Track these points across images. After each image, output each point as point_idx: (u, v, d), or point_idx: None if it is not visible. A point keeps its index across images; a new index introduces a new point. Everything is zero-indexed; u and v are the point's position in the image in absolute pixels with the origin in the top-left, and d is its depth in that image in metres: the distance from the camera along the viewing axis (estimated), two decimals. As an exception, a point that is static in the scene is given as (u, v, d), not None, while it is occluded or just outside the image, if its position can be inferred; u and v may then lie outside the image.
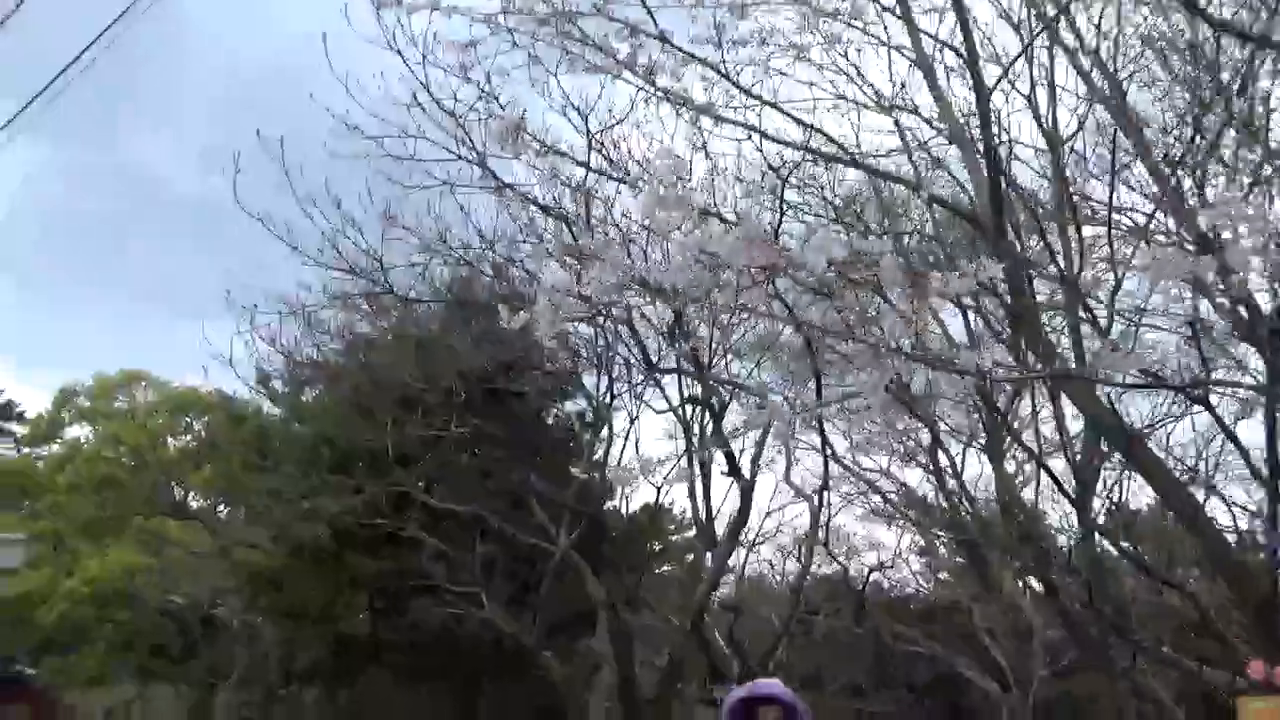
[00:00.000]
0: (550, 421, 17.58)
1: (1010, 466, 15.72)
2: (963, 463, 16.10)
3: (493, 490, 14.98)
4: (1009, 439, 14.13)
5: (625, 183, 10.15)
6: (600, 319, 11.24)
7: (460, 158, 10.45)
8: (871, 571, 17.70)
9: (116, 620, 32.93)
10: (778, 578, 21.30)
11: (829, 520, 13.76)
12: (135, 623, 32.86)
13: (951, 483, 15.42)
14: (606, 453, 15.71)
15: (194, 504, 34.77)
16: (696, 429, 14.26)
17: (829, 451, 11.74)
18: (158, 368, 45.38)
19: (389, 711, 15.50)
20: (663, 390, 14.46)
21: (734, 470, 11.46)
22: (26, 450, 36.88)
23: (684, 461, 14.71)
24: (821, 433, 10.81)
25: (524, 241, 12.04)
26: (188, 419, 33.34)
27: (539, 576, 15.85)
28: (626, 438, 15.60)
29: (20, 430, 41.69)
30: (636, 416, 15.27)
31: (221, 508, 33.00)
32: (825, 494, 12.69)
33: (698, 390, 13.38)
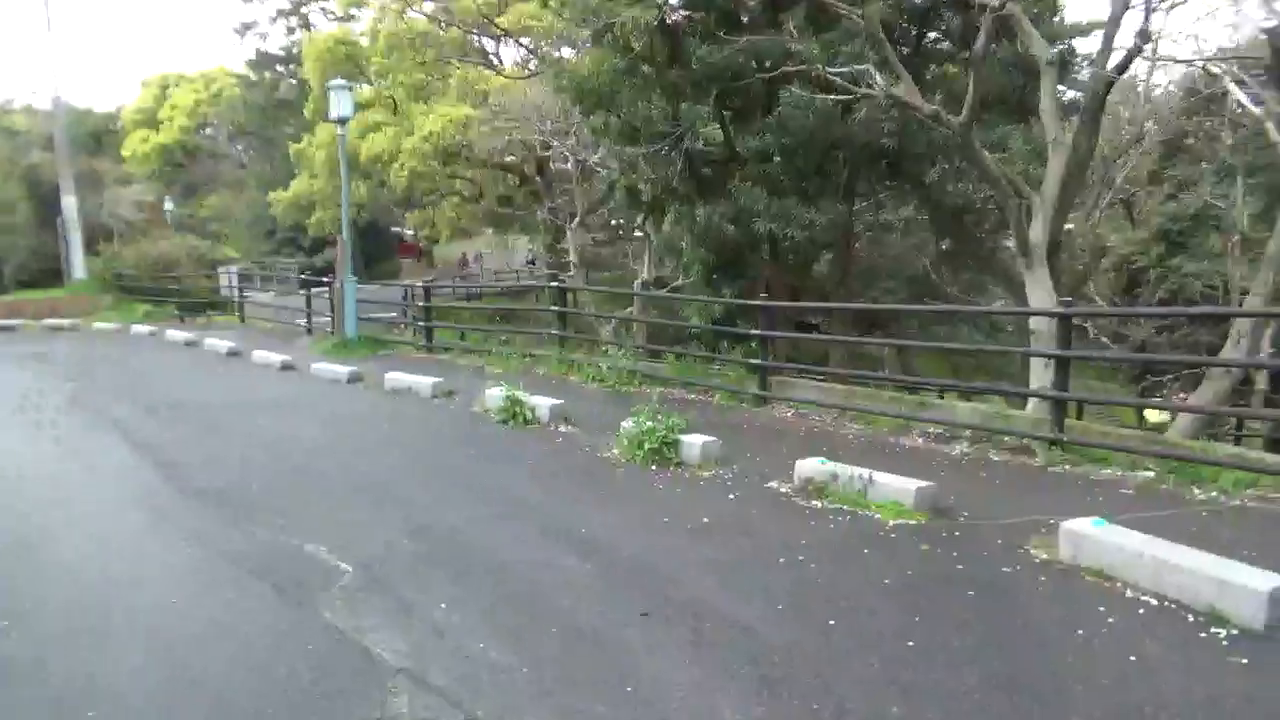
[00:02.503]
0: None
1: None
2: None
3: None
4: None
5: None
6: None
7: None
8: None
9: (462, 176, 33.86)
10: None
11: None
12: (479, 177, 33.67)
13: None
14: None
15: (505, 54, 33.40)
16: None
17: None
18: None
19: (755, 230, 13.13)
20: None
21: None
22: (343, 22, 36.69)
23: None
24: None
25: None
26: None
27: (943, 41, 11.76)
28: None
29: (333, 6, 41.54)
30: None
31: (533, 59, 31.26)
32: None
33: None
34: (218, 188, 51.18)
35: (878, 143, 10.89)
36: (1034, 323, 9.62)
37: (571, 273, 25.46)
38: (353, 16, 36.26)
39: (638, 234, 29.02)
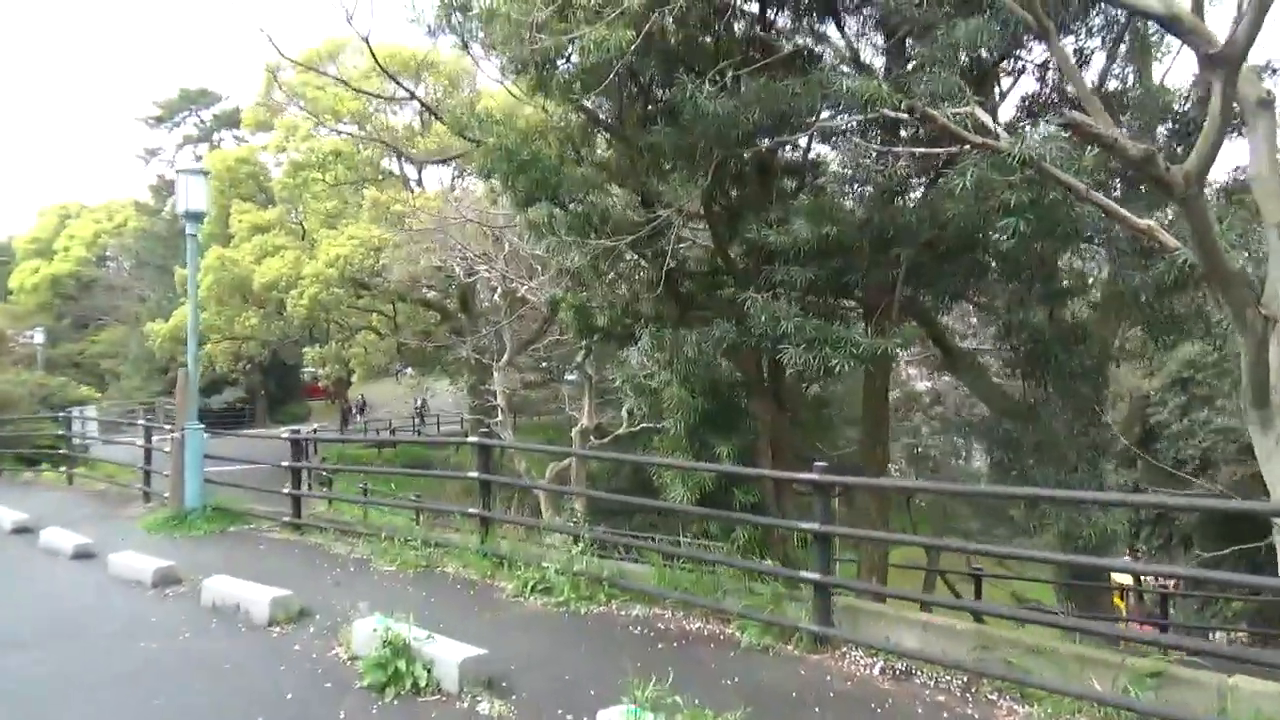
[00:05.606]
0: None
1: None
2: None
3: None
4: None
5: None
6: None
7: None
8: None
9: (377, 310, 29.50)
10: None
11: None
12: (394, 311, 29.36)
13: None
14: None
15: (428, 181, 29.78)
16: None
17: None
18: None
19: (761, 363, 9.09)
20: None
21: None
22: (250, 142, 32.81)
23: None
24: None
25: None
26: (408, 81, 26.94)
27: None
28: None
29: (244, 133, 37.83)
30: None
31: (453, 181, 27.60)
32: None
33: None
34: (113, 322, 45.96)
35: (987, 225, 6.79)
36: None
37: (500, 419, 21.02)
38: (264, 146, 32.49)
39: (569, 377, 24.97)
